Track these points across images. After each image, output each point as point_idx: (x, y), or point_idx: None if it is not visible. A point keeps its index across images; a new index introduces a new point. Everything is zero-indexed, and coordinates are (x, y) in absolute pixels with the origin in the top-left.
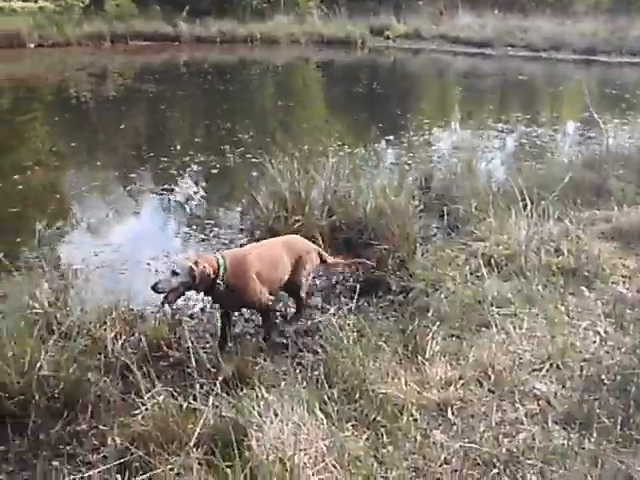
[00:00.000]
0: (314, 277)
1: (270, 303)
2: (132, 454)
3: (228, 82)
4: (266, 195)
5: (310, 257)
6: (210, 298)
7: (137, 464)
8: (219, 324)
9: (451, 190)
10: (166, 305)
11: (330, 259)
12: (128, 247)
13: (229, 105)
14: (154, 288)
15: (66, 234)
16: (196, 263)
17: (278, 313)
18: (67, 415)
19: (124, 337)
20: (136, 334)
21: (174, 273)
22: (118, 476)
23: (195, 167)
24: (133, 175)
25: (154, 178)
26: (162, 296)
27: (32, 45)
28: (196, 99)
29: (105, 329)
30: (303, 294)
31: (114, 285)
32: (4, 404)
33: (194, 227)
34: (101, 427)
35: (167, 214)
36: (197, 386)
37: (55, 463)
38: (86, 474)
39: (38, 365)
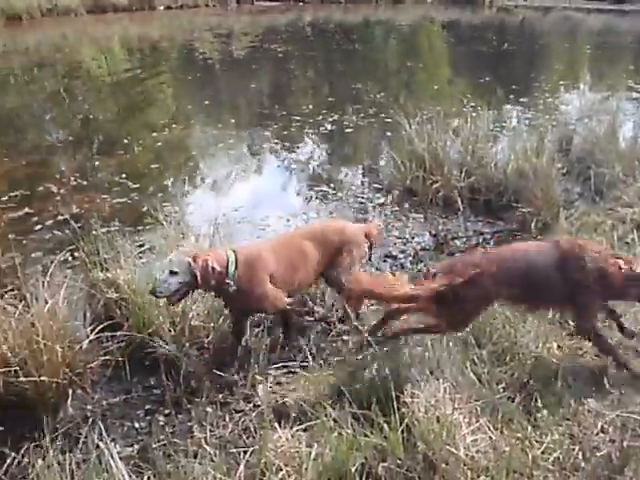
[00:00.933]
0: None
1: (288, 306)
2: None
3: (354, 42)
4: (403, 154)
5: (351, 247)
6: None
7: (294, 414)
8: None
9: (593, 154)
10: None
11: (373, 232)
12: (266, 203)
13: (357, 65)
14: (153, 293)
15: (201, 190)
16: (195, 259)
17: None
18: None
19: None
20: None
21: (172, 273)
22: (277, 424)
23: (328, 126)
24: (267, 133)
25: (288, 137)
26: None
27: (161, 7)
28: (324, 59)
29: None
30: (346, 282)
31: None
32: (159, 350)
33: (331, 185)
34: (251, 377)
35: (303, 172)
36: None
37: (209, 409)
38: (241, 420)
39: (190, 315)
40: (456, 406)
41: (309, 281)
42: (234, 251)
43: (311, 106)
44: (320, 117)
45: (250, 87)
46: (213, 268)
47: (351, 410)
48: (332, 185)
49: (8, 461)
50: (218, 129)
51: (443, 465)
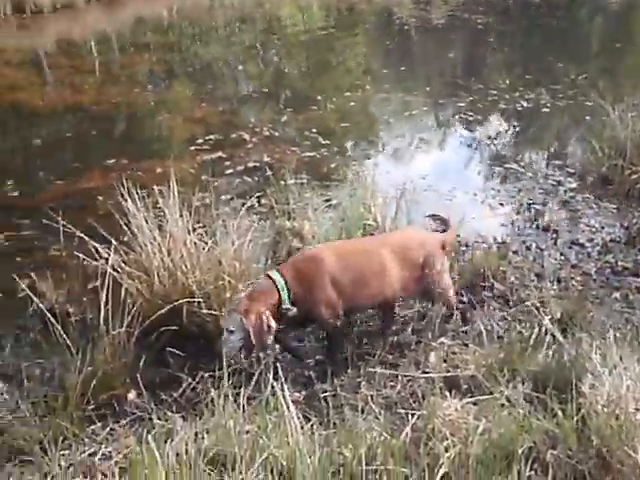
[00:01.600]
0: None
1: (337, 324)
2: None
3: (559, 19)
4: (602, 140)
5: (435, 262)
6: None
7: (466, 385)
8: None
9: None
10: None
11: (449, 240)
12: (452, 175)
13: (559, 43)
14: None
15: (388, 154)
16: (246, 312)
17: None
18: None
19: (449, 261)
20: (461, 261)
21: (230, 331)
22: (447, 393)
23: (524, 103)
24: (460, 104)
25: (480, 111)
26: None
27: None
28: (525, 34)
29: None
30: (450, 291)
31: (440, 210)
32: None
33: (520, 164)
34: (425, 343)
35: (491, 147)
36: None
37: (378, 369)
38: (409, 384)
39: None
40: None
41: (382, 297)
42: (278, 271)
43: (508, 81)
44: (516, 93)
45: (446, 56)
46: (268, 325)
47: (524, 390)
48: (521, 164)
49: (184, 385)
50: (410, 95)
51: (618, 466)
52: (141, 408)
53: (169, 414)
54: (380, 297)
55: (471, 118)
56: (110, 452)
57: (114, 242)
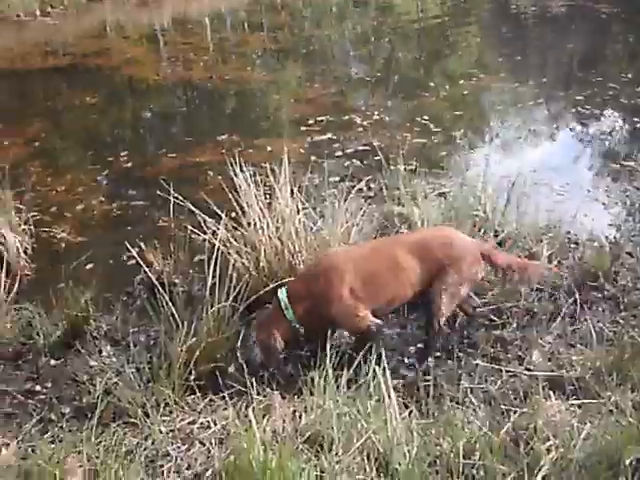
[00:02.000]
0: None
1: (372, 327)
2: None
3: None
4: None
5: (461, 265)
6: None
7: (571, 387)
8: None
9: None
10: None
11: (502, 258)
12: (564, 170)
13: None
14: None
15: (499, 144)
16: (259, 328)
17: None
18: (494, 320)
19: (558, 258)
20: (570, 258)
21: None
22: (551, 393)
23: None
24: (576, 97)
25: (597, 105)
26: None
27: None
28: None
29: (541, 246)
30: (439, 319)
31: (551, 205)
32: None
33: (638, 162)
34: (529, 340)
35: (607, 144)
36: None
37: (479, 362)
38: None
39: None
40: None
41: (402, 299)
42: (286, 289)
43: (630, 75)
44: (638, 88)
45: (565, 47)
46: (273, 346)
47: (635, 398)
48: (638, 162)
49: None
50: (525, 86)
51: None
52: (241, 382)
53: (268, 390)
54: (401, 298)
55: (587, 112)
56: (209, 422)
57: (224, 217)
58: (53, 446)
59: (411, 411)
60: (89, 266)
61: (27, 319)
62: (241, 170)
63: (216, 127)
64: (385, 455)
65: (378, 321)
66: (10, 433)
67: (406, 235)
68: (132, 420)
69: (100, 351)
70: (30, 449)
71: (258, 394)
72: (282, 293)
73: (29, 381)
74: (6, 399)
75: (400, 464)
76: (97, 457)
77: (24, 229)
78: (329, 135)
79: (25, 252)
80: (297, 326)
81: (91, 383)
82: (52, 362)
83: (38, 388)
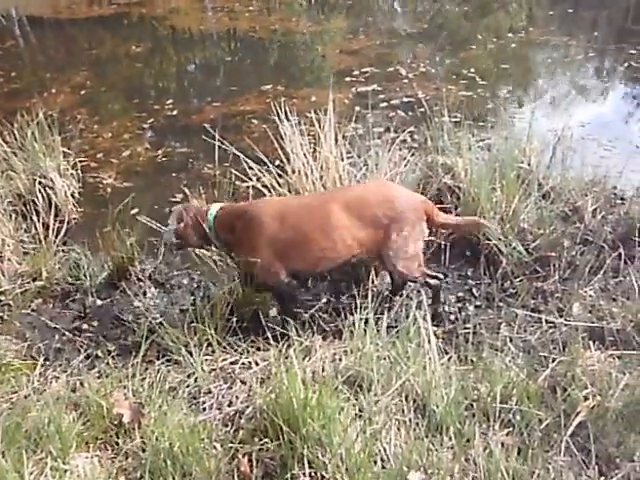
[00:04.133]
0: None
1: (283, 285)
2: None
3: None
4: None
5: (404, 224)
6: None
7: (611, 338)
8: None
9: None
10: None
11: (442, 217)
12: (613, 126)
13: None
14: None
15: (546, 99)
16: (186, 211)
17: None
18: (536, 271)
19: (603, 213)
20: (615, 213)
21: (169, 224)
22: (590, 343)
23: None
24: (632, 52)
25: None
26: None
27: None
28: None
29: (586, 200)
30: (408, 273)
31: (597, 160)
32: (482, 242)
33: None
34: (570, 292)
35: None
36: None
37: (519, 311)
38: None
39: (521, 217)
40: None
41: (335, 260)
42: (221, 208)
43: None
44: None
45: (618, 0)
46: (195, 224)
47: None
48: None
49: (324, 306)
50: (576, 39)
51: None
52: (281, 325)
53: (309, 333)
54: (333, 259)
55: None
56: (250, 362)
57: (269, 163)
58: (100, 380)
59: (450, 357)
60: (134, 211)
61: (75, 261)
62: (286, 118)
63: (260, 77)
64: (423, 397)
65: (287, 280)
66: (60, 367)
67: (344, 190)
68: (175, 358)
69: (145, 293)
70: (78, 383)
71: (299, 336)
72: (212, 213)
73: (77, 319)
74: (56, 336)
75: (437, 406)
76: (142, 392)
77: (72, 174)
78: (373, 86)
79: (73, 196)
80: (215, 241)
81: (136, 323)
82: (98, 302)
83: (85, 326)
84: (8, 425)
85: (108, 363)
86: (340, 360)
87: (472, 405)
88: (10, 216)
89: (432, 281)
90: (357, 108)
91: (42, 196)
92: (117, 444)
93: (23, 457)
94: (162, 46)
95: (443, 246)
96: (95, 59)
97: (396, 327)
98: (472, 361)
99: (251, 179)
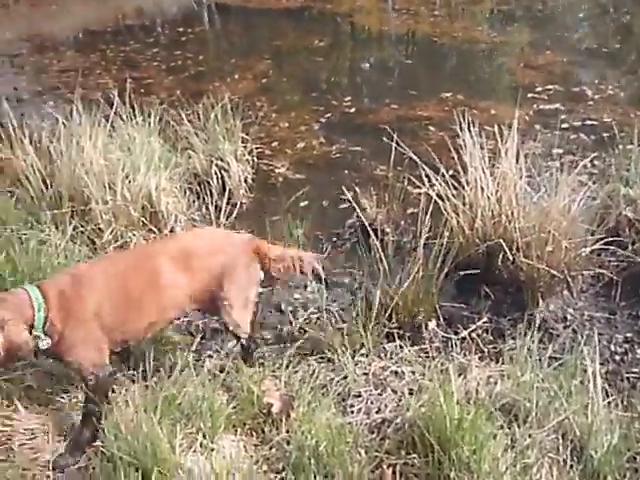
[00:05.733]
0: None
1: (99, 372)
2: None
3: None
4: None
5: (237, 271)
6: None
7: None
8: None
9: None
10: None
11: (273, 250)
12: None
13: None
14: None
15: None
16: None
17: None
18: None
19: None
20: None
21: None
22: None
23: None
24: None
25: None
26: None
27: None
28: None
29: None
30: (241, 334)
31: None
32: None
33: None
34: None
35: None
36: None
37: None
38: None
39: None
40: None
41: (159, 323)
42: (37, 287)
43: None
44: None
45: None
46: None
47: None
48: None
49: (483, 326)
50: None
51: None
52: (438, 339)
53: (464, 351)
54: (161, 321)
55: None
56: (403, 372)
57: (444, 172)
58: (252, 368)
59: (614, 400)
60: (303, 203)
61: None
62: (468, 129)
63: (440, 84)
64: (581, 439)
65: (110, 368)
66: (215, 347)
67: (164, 243)
68: (329, 356)
69: (305, 286)
70: (232, 365)
71: (454, 353)
72: (35, 291)
73: None
74: (214, 316)
75: (596, 452)
76: (292, 385)
77: (247, 159)
78: (557, 105)
79: (245, 181)
80: (38, 336)
81: (293, 315)
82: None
83: None
84: (165, 396)
85: (262, 350)
86: (495, 384)
87: (635, 458)
88: (184, 193)
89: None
90: (537, 126)
91: (217, 178)
92: (263, 432)
93: (176, 429)
94: (343, 43)
95: (615, 282)
96: (278, 49)
97: (559, 360)
98: (637, 409)
99: (423, 186)
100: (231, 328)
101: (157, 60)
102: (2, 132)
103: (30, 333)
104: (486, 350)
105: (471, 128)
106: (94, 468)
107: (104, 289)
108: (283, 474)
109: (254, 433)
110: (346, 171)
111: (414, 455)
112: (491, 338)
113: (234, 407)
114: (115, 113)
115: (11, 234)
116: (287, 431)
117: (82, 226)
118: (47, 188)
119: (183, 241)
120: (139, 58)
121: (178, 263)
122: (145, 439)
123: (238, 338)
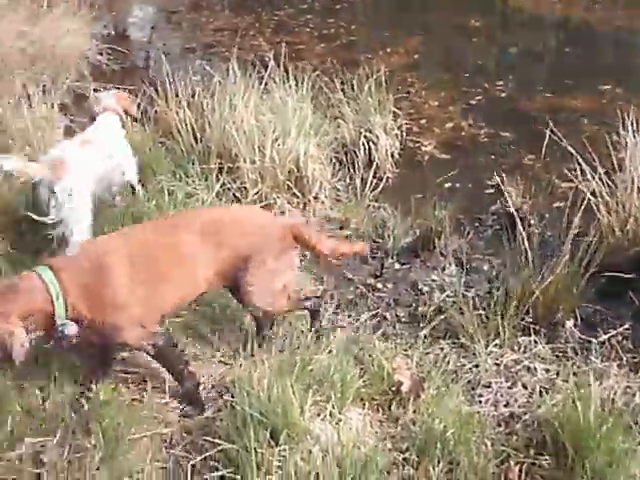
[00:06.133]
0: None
1: (151, 342)
2: None
3: None
4: None
5: (268, 253)
6: None
7: None
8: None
9: None
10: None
11: (323, 243)
12: None
13: None
14: None
15: None
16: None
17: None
18: None
19: None
20: None
21: None
22: None
23: None
24: None
25: None
26: None
27: None
28: None
29: None
30: (268, 307)
31: None
32: None
33: None
34: None
35: None
36: None
37: None
38: None
39: None
40: None
41: (186, 297)
42: (50, 267)
43: None
44: None
45: None
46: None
47: None
48: None
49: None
50: None
51: None
52: (575, 339)
53: (602, 356)
54: (192, 294)
55: None
56: (535, 368)
57: (599, 168)
58: (385, 343)
59: None
60: (447, 184)
61: (382, 219)
62: (630, 126)
63: (597, 75)
64: None
65: (164, 336)
66: (348, 318)
67: (194, 214)
68: (462, 342)
69: (443, 268)
70: (364, 339)
71: (590, 358)
72: (48, 276)
73: (372, 277)
74: (350, 287)
75: None
76: (423, 366)
77: (396, 134)
78: None
79: (392, 156)
80: (64, 324)
81: (429, 296)
82: (396, 265)
83: (380, 285)
84: (298, 360)
85: (394, 327)
86: (634, 396)
87: None
88: (330, 161)
89: (307, 303)
90: None
91: (364, 149)
92: (389, 409)
93: (308, 395)
94: (500, 25)
95: None
96: (432, 25)
97: None
98: None
99: (575, 180)
100: (260, 313)
101: (310, 27)
102: (158, 85)
103: (53, 324)
104: (625, 358)
105: (633, 125)
106: (222, 420)
107: (127, 263)
108: (407, 454)
109: (380, 409)
110: (493, 156)
111: (545, 456)
112: (631, 347)
113: (364, 381)
114: (269, 76)
115: (160, 183)
116: (414, 412)
117: (228, 183)
118: (197, 142)
119: (213, 215)
120: (292, 23)
121: (204, 237)
122: (277, 400)
123: (266, 323)
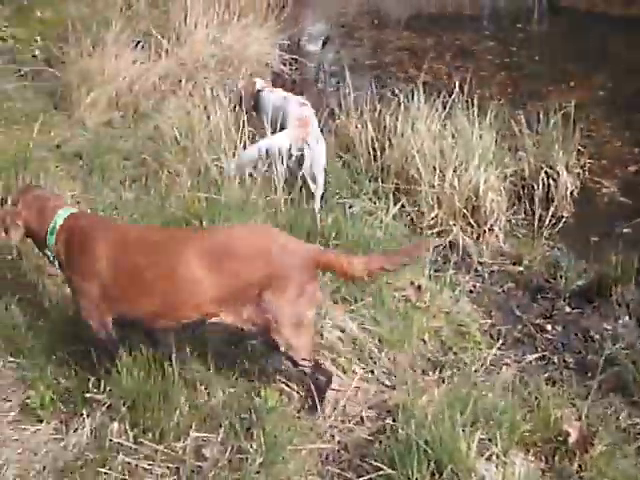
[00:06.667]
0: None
1: (102, 335)
2: None
3: None
4: None
5: (286, 282)
6: None
7: None
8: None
9: None
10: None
11: (357, 261)
12: None
13: None
14: None
15: None
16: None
17: None
18: None
19: None
20: None
21: None
22: None
23: None
24: None
25: None
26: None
27: None
28: None
29: None
30: (297, 347)
31: None
32: None
33: None
34: None
35: None
36: None
37: None
38: None
39: None
40: None
41: (173, 315)
42: (71, 214)
43: None
44: None
45: None
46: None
47: None
48: None
49: None
50: None
51: None
52: None
53: None
54: (174, 313)
55: None
56: None
57: None
58: (552, 388)
59: None
60: (627, 230)
61: (557, 258)
62: None
63: None
64: None
65: (109, 331)
66: (514, 357)
67: (209, 232)
68: (633, 399)
69: (617, 318)
70: (529, 381)
71: None
72: (61, 214)
73: (541, 317)
74: (518, 325)
75: None
76: (590, 418)
77: (577, 173)
78: None
79: (571, 194)
80: (47, 252)
81: (600, 345)
82: (567, 309)
83: (548, 327)
84: (465, 395)
85: (561, 373)
86: None
87: None
88: (508, 193)
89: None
90: None
91: (543, 185)
92: (553, 459)
93: (476, 432)
94: None
95: None
96: (622, 60)
97: None
98: None
99: None
100: (283, 349)
101: (491, 54)
102: (341, 98)
103: (45, 243)
104: None
105: None
106: (380, 442)
107: (111, 254)
108: None
109: (544, 458)
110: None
111: None
112: None
113: (530, 425)
114: (453, 101)
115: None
116: (580, 467)
117: (403, 206)
118: (374, 160)
119: (221, 236)
120: (473, 49)
121: (205, 258)
122: (444, 434)
123: (296, 364)
